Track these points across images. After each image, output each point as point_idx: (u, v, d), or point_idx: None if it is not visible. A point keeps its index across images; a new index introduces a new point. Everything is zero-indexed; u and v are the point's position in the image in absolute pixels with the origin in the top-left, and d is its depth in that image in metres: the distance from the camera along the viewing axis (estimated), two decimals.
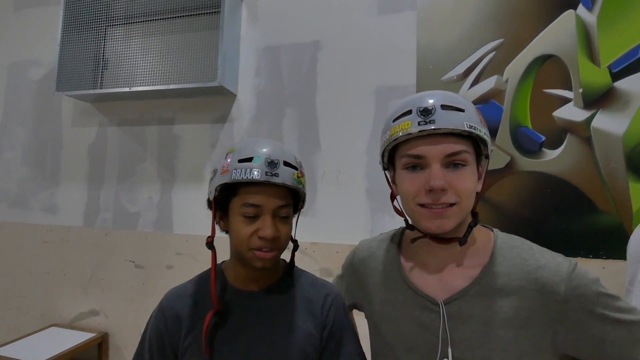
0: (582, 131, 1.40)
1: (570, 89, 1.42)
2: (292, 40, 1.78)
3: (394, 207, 0.73)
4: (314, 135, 1.72)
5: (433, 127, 0.60)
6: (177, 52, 1.85)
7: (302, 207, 0.82)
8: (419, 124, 0.61)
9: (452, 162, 0.61)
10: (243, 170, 0.70)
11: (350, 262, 0.88)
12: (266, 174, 0.70)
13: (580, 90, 1.41)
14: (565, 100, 1.42)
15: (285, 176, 0.71)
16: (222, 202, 0.75)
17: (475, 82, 1.52)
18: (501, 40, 1.50)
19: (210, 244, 0.77)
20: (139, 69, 1.87)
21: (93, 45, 1.98)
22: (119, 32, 1.97)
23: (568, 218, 1.39)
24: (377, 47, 1.66)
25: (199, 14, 1.85)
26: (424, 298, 0.68)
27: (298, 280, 0.84)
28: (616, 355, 0.58)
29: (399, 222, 0.78)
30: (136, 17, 1.95)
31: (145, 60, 1.88)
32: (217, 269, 0.79)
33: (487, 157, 0.66)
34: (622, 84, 1.36)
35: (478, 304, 0.64)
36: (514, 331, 0.61)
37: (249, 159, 0.71)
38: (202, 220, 1.81)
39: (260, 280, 0.79)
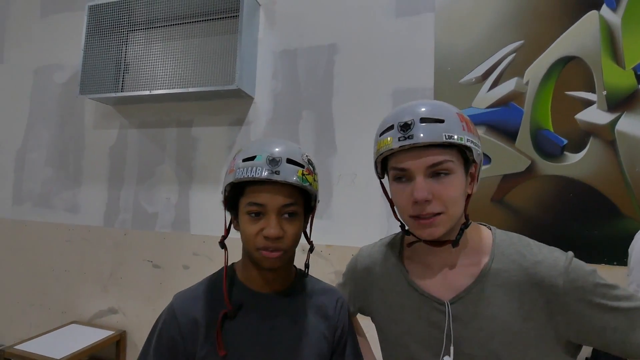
0: (606, 134, 1.36)
1: (593, 91, 1.38)
2: (309, 44, 1.79)
3: (394, 214, 0.75)
4: (330, 138, 1.72)
5: (412, 142, 0.63)
6: (196, 55, 1.89)
7: (315, 207, 0.80)
8: (399, 140, 0.64)
9: (435, 172, 0.64)
10: (246, 169, 0.70)
11: (352, 269, 0.90)
12: (267, 172, 0.69)
13: (604, 92, 1.37)
14: (588, 103, 1.39)
15: (287, 174, 0.70)
16: (232, 201, 0.75)
17: (494, 84, 1.49)
18: (521, 41, 1.48)
19: (222, 243, 0.77)
20: (159, 72, 1.91)
21: (115, 49, 2.04)
22: (140, 37, 2.03)
23: (591, 224, 1.35)
24: (394, 50, 1.65)
25: (217, 19, 1.88)
26: (430, 299, 0.71)
27: (309, 284, 0.84)
28: (618, 341, 0.60)
29: None
30: (157, 22, 1.99)
31: (165, 63, 1.92)
32: (229, 270, 0.79)
33: (474, 161, 0.68)
34: None
35: (482, 301, 0.67)
36: (518, 325, 0.64)
37: (252, 158, 0.71)
38: (218, 221, 1.82)
39: (273, 283, 0.78)
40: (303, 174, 0.73)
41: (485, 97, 1.50)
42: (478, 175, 0.70)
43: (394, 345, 0.76)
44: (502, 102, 1.48)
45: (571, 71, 1.41)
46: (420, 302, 0.72)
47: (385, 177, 0.76)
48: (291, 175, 0.71)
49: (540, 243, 0.69)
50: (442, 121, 0.64)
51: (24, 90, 2.35)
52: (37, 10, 2.37)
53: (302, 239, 0.79)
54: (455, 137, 0.63)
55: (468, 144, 0.64)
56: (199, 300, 0.76)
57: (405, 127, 0.64)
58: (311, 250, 0.82)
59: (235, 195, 0.74)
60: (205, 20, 1.91)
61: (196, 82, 1.83)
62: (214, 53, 1.84)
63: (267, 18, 1.89)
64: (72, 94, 2.19)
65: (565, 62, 1.42)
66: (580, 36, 1.41)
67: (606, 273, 1.35)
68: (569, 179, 1.39)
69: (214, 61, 1.83)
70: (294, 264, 0.84)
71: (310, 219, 0.81)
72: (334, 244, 1.65)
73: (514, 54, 1.48)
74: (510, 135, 1.46)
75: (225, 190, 0.74)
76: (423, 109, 0.66)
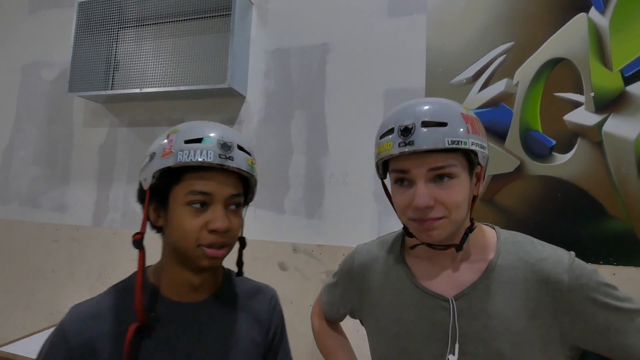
0: (593, 135, 1.38)
1: (581, 92, 1.40)
2: (301, 43, 1.79)
3: (397, 214, 0.73)
4: (322, 138, 1.72)
5: (413, 149, 0.60)
6: (187, 54, 1.87)
7: (251, 199, 0.73)
8: (399, 145, 0.62)
9: (438, 176, 0.62)
10: (192, 151, 0.60)
11: (349, 267, 0.86)
12: (220, 157, 0.61)
13: (592, 94, 1.39)
14: (576, 104, 1.41)
15: (240, 161, 0.63)
16: (160, 191, 0.63)
17: (485, 85, 1.51)
18: (512, 43, 1.49)
19: (139, 242, 0.63)
20: (150, 70, 1.90)
21: (105, 47, 2.01)
22: (130, 34, 2.00)
23: (578, 223, 1.37)
24: (386, 50, 1.66)
25: (209, 17, 1.87)
26: (434, 296, 0.69)
27: (239, 286, 0.77)
28: (622, 344, 0.60)
29: None
30: (148, 19, 1.97)
31: (156, 62, 1.91)
32: (144, 275, 0.65)
33: (479, 163, 0.65)
34: (634, 88, 1.35)
35: (488, 297, 0.65)
36: (523, 323, 0.62)
37: (198, 140, 0.61)
38: None
39: (200, 288, 0.69)
40: (252, 163, 0.67)
41: (476, 98, 1.51)
42: (484, 176, 0.69)
43: (390, 348, 0.73)
44: (492, 103, 1.50)
45: (560, 73, 1.43)
46: (422, 300, 0.70)
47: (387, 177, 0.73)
48: (244, 162, 0.64)
49: (543, 242, 0.69)
50: (445, 124, 0.61)
51: (11, 88, 2.31)
52: (25, 6, 2.33)
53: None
54: (460, 141, 0.60)
55: (473, 147, 0.62)
56: (101, 317, 0.63)
57: (406, 131, 0.61)
58: (243, 246, 0.75)
59: (165, 183, 0.62)
60: (196, 18, 1.90)
61: (187, 80, 1.82)
62: (206, 51, 1.83)
63: (260, 17, 1.88)
64: (61, 92, 2.16)
65: (554, 63, 1.44)
66: (569, 38, 1.43)
67: None
68: (557, 179, 1.41)
69: (205, 60, 1.82)
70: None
71: (245, 212, 0.73)
72: (325, 243, 1.65)
73: (504, 56, 1.50)
74: (500, 135, 1.48)
75: (153, 177, 0.62)
76: (425, 110, 0.62)
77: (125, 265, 1.96)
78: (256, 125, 1.83)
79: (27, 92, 2.27)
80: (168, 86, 1.81)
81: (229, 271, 0.78)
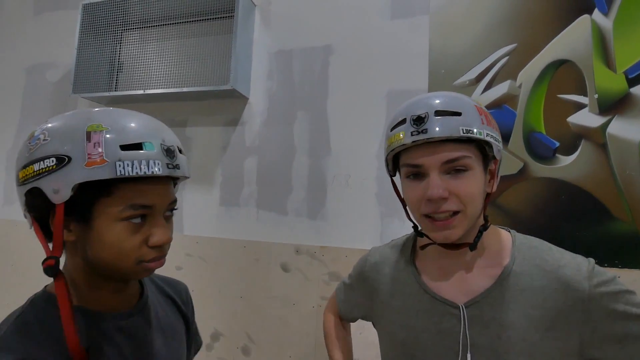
0: (597, 137, 1.38)
1: (585, 94, 1.40)
2: (304, 45, 1.80)
3: (406, 214, 0.71)
4: (324, 139, 1.72)
5: (426, 137, 0.58)
6: (190, 55, 1.88)
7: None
8: (411, 134, 0.59)
9: (452, 168, 0.60)
10: (136, 162, 0.51)
11: (361, 269, 0.85)
12: (168, 167, 0.54)
13: (596, 96, 1.39)
14: (580, 106, 1.40)
15: (184, 166, 0.58)
16: (79, 204, 0.52)
17: (488, 87, 1.50)
18: (514, 45, 1.49)
19: (53, 268, 0.51)
20: (154, 72, 1.91)
21: (109, 48, 2.02)
22: (134, 36, 2.01)
23: (582, 225, 1.36)
24: (389, 51, 1.66)
25: (213, 19, 1.88)
26: (444, 303, 0.66)
27: (154, 284, 0.73)
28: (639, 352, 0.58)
29: (409, 227, 0.75)
30: (152, 21, 1.98)
31: (159, 63, 1.92)
32: (52, 299, 0.55)
33: (494, 157, 0.64)
34: (638, 90, 1.34)
35: (501, 305, 0.61)
36: (539, 334, 0.59)
37: (138, 146, 0.52)
38: (212, 221, 1.82)
39: (126, 297, 0.63)
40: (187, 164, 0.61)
41: (479, 100, 1.51)
42: (498, 172, 0.66)
43: (398, 354, 0.71)
44: (496, 105, 1.49)
45: (563, 74, 1.43)
46: (431, 306, 0.67)
47: (397, 175, 0.71)
48: (186, 167, 0.59)
49: (561, 248, 0.66)
50: (459, 114, 0.59)
51: (16, 89, 2.33)
52: (30, 8, 2.35)
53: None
54: (474, 131, 0.58)
55: (488, 138, 0.60)
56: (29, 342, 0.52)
57: (419, 120, 0.59)
58: None
59: (89, 195, 0.52)
60: (200, 20, 1.91)
61: (190, 82, 1.82)
62: (209, 53, 1.84)
63: (263, 19, 1.89)
64: (65, 93, 2.17)
65: (557, 65, 1.44)
66: (573, 40, 1.42)
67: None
68: (561, 181, 1.40)
69: (208, 61, 1.83)
70: None
71: None
72: (328, 245, 1.65)
73: (507, 57, 1.49)
74: (503, 137, 1.46)
75: (72, 189, 0.50)
76: (438, 101, 0.61)
77: None
78: (259, 127, 1.83)
79: (32, 94, 2.29)
80: (171, 88, 1.82)
81: None
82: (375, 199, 1.61)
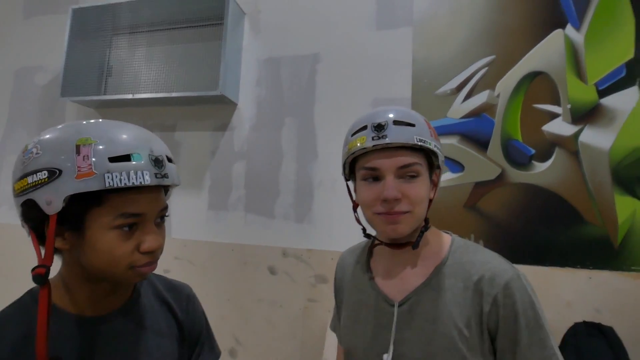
0: (570, 145, 1.45)
1: (559, 104, 1.47)
2: (292, 53, 1.84)
3: (355, 217, 0.78)
4: (311, 145, 1.76)
5: (386, 142, 0.65)
6: (180, 61, 1.91)
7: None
8: (372, 139, 0.66)
9: (405, 174, 0.66)
10: (124, 174, 0.52)
11: (335, 273, 0.91)
12: (156, 177, 0.55)
13: (569, 106, 1.46)
14: (554, 115, 1.47)
15: (173, 174, 0.59)
16: (71, 214, 0.53)
17: (468, 96, 1.57)
18: (493, 56, 1.56)
19: (42, 277, 0.53)
20: (143, 76, 1.92)
21: (99, 52, 2.04)
22: (124, 41, 2.03)
23: (556, 229, 1.43)
24: (374, 61, 1.72)
25: (202, 26, 1.91)
26: (384, 299, 0.73)
27: (152, 286, 0.73)
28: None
29: None
30: (141, 26, 2.00)
31: (149, 68, 1.94)
32: (32, 301, 0.60)
33: (439, 167, 0.71)
34: (608, 101, 1.42)
35: (426, 301, 0.68)
36: (457, 331, 0.64)
37: (126, 157, 0.54)
38: (201, 225, 1.84)
39: (112, 299, 0.64)
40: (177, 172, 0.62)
41: (459, 108, 1.57)
42: (438, 182, 0.74)
43: (350, 346, 0.77)
44: (475, 113, 1.56)
45: (539, 85, 1.50)
46: (376, 301, 0.74)
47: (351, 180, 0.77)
48: (175, 175, 0.60)
49: (495, 254, 0.71)
50: (413, 125, 0.67)
51: (4, 92, 2.31)
52: (20, 11, 2.35)
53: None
54: (426, 141, 0.66)
55: (435, 149, 0.68)
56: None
57: (379, 127, 0.66)
58: None
59: (81, 206, 0.53)
60: (190, 26, 1.93)
61: (180, 87, 1.85)
62: (198, 59, 1.87)
63: (252, 27, 1.93)
64: (54, 96, 2.17)
65: (533, 76, 1.51)
66: (547, 53, 1.50)
67: (570, 276, 1.43)
68: (536, 187, 1.47)
69: (198, 67, 1.85)
70: None
71: None
72: (315, 248, 1.69)
73: (486, 68, 1.56)
74: (482, 144, 1.54)
75: (63, 201, 0.51)
76: (395, 113, 0.68)
77: None
78: (247, 132, 1.87)
79: (20, 97, 2.28)
80: (160, 92, 1.84)
81: None
82: None
